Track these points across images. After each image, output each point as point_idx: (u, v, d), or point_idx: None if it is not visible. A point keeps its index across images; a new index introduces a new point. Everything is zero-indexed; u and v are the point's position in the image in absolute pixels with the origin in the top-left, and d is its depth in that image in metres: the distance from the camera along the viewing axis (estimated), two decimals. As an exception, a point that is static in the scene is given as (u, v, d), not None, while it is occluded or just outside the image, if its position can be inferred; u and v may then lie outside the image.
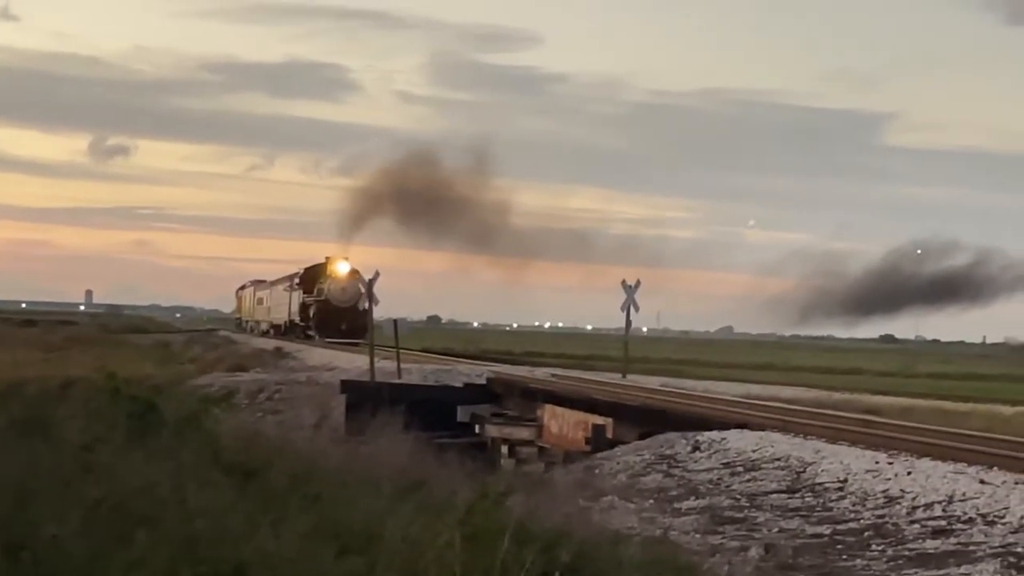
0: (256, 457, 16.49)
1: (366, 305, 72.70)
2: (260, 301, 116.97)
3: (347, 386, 38.42)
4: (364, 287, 71.69)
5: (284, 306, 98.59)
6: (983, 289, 49.56)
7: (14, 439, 15.79)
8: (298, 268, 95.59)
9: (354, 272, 79.94)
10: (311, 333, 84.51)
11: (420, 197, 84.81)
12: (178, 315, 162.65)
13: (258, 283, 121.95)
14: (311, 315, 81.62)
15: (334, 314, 79.02)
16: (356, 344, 72.35)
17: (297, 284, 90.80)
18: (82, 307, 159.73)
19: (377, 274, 66.30)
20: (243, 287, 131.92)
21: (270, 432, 22.68)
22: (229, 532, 10.54)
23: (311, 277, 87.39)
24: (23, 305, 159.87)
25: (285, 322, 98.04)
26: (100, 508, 11.24)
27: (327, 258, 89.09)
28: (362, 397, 34.98)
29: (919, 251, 47.58)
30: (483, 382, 42.65)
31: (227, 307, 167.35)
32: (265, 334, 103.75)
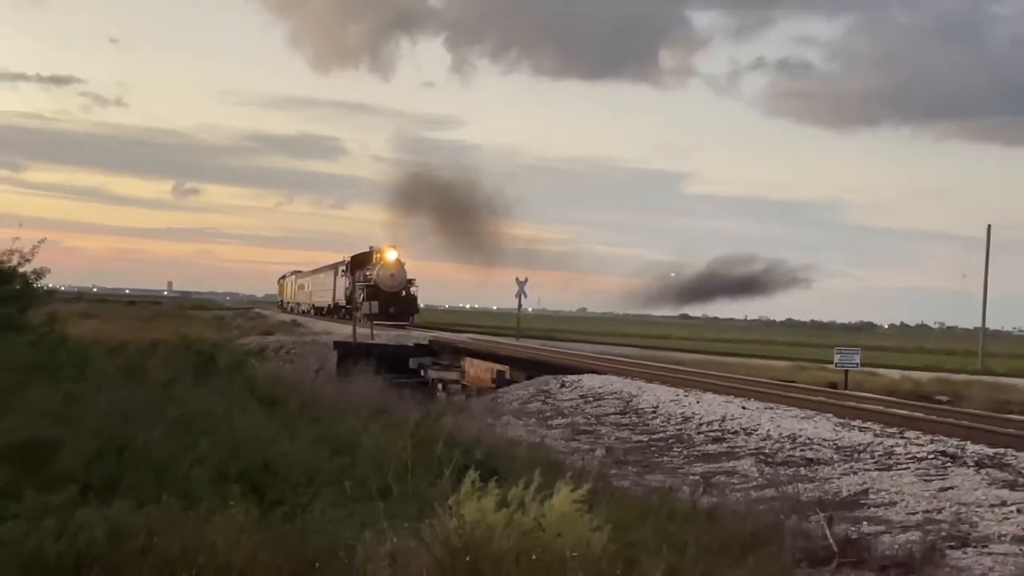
0: (278, 391, 18.40)
1: (412, 290, 74.88)
2: (301, 287, 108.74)
3: (338, 345, 42.29)
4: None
5: (328, 290, 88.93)
6: (766, 286, 55.52)
7: (121, 379, 17.28)
8: (344, 256, 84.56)
9: (400, 260, 74.63)
10: (358, 314, 66.92)
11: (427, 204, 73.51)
12: (227, 298, 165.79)
13: (298, 272, 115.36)
14: (361, 298, 70.79)
15: (382, 298, 70.08)
16: (403, 326, 67.01)
17: (344, 271, 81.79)
18: (165, 293, 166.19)
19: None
20: (284, 276, 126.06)
21: (287, 375, 24.27)
22: (260, 440, 12.27)
23: (358, 264, 78.03)
24: (127, 291, 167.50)
25: (329, 304, 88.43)
26: (175, 424, 12.70)
27: (371, 247, 79.34)
28: (348, 352, 38.61)
29: (672, 274, 55.68)
30: (426, 343, 46.14)
31: (259, 293, 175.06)
32: (305, 314, 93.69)
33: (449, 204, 70.41)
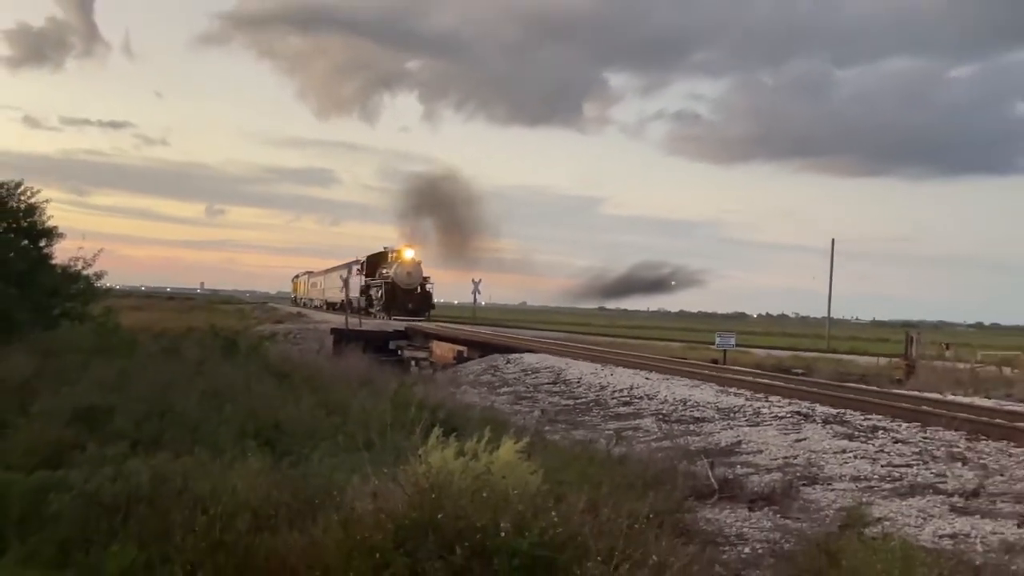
0: (286, 367, 18.20)
1: (428, 287, 64.32)
2: (314, 285, 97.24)
3: (334, 331, 40.76)
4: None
5: (341, 288, 72.64)
6: (671, 286, 56.39)
7: (162, 358, 17.27)
8: (358, 256, 74.71)
9: (417, 259, 64.49)
10: (373, 310, 65.79)
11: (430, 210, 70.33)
12: (247, 295, 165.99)
13: (310, 273, 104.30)
14: (380, 295, 63.15)
15: (400, 294, 61.24)
16: (420, 320, 57.14)
17: (359, 269, 70.57)
18: (198, 291, 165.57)
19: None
20: (297, 276, 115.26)
21: (294, 355, 24.12)
22: (272, 405, 12.23)
23: (374, 263, 68.38)
24: (168, 290, 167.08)
25: (342, 300, 72.61)
26: (206, 393, 12.71)
27: (384, 248, 69.80)
28: (341, 336, 37.69)
29: (596, 276, 57.04)
30: (403, 329, 44.68)
31: (273, 291, 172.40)
32: (317, 308, 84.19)
33: (449, 216, 67.17)
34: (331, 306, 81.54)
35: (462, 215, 68.60)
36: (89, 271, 23.15)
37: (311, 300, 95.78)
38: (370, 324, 49.94)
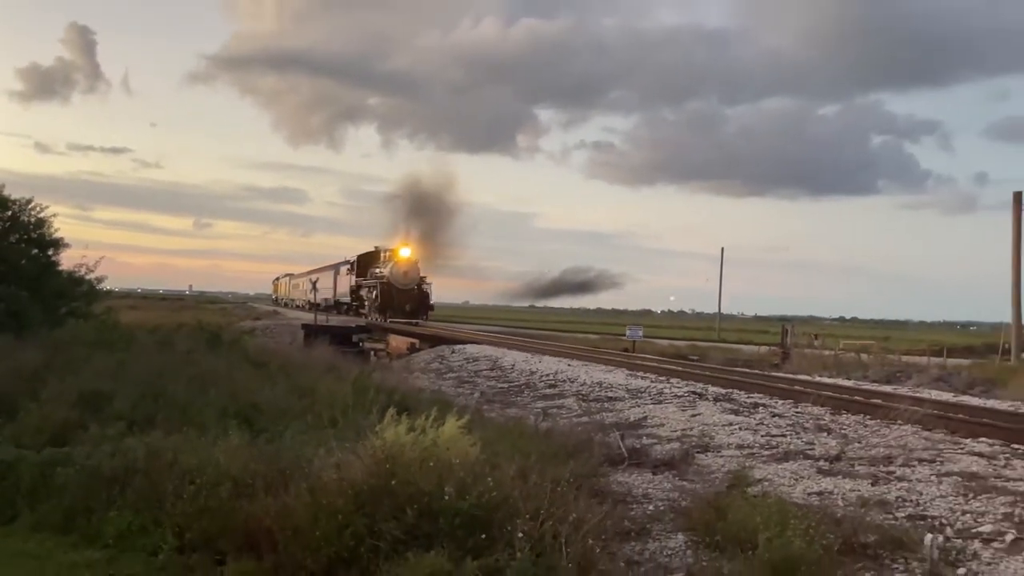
0: (263, 357, 17.85)
1: (426, 287, 53.03)
2: (295, 286, 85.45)
3: (304, 326, 38.96)
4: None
5: (328, 288, 66.46)
6: (595, 287, 56.55)
7: (156, 350, 16.79)
8: (348, 256, 62.80)
9: (414, 258, 52.89)
10: (364, 312, 54.80)
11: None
12: (230, 296, 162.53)
13: (291, 275, 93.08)
14: (374, 296, 52.12)
15: (397, 295, 50.33)
16: (417, 323, 47.77)
17: (349, 269, 60.33)
18: (187, 292, 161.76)
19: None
20: (278, 278, 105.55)
21: (270, 346, 23.53)
22: (250, 389, 11.98)
23: (365, 263, 57.49)
24: (161, 291, 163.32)
25: (328, 300, 65.53)
26: (193, 379, 12.38)
27: (376, 247, 58.24)
28: (311, 331, 36.14)
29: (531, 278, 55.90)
30: (364, 324, 44.30)
31: (252, 292, 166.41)
32: (299, 308, 73.58)
33: (435, 221, 56.20)
34: (315, 307, 67.19)
35: (444, 222, 57.86)
36: (91, 276, 22.99)
37: (292, 300, 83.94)
38: (336, 320, 47.95)
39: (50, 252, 22.31)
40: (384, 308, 50.68)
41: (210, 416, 9.45)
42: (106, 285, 25.28)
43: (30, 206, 21.99)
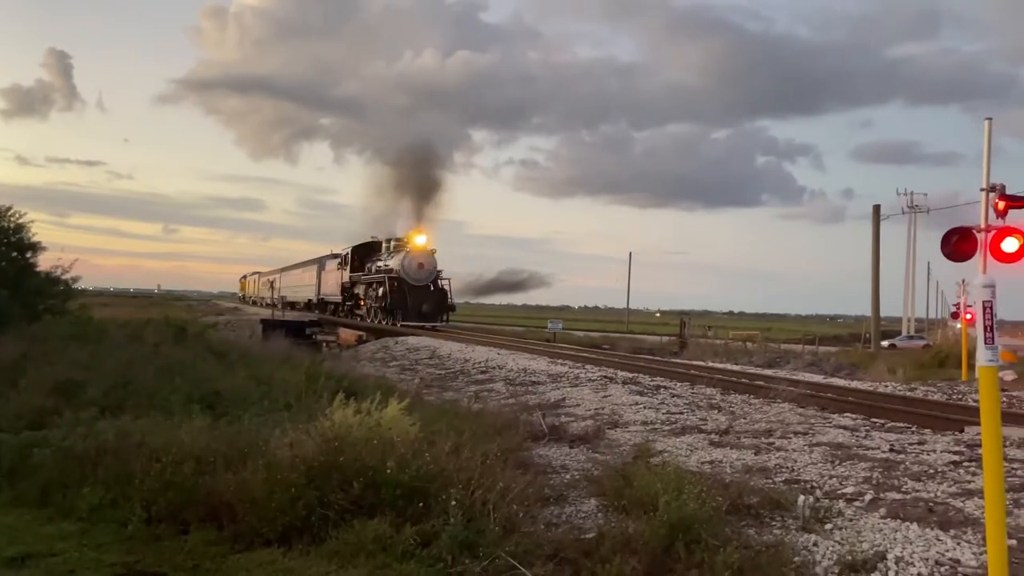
0: (225, 348, 17.42)
1: (443, 282, 38.56)
2: (267, 284, 66.68)
3: (263, 321, 36.04)
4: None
5: (309, 286, 52.84)
6: (527, 286, 56.47)
7: (126, 342, 16.41)
8: (337, 249, 48.64)
9: (431, 248, 38.89)
10: (361, 312, 41.79)
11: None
12: (195, 295, 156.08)
13: (259, 273, 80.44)
14: (380, 294, 38.58)
15: (411, 293, 36.83)
16: (436, 329, 34.79)
17: (340, 264, 46.13)
18: (155, 291, 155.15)
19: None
20: (244, 277, 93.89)
21: (231, 339, 23.10)
22: (213, 377, 11.63)
23: (362, 254, 43.52)
24: (131, 290, 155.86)
25: (309, 300, 52.55)
26: (161, 369, 11.93)
27: (372, 237, 44.57)
28: (268, 325, 33.45)
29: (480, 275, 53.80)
30: (316, 319, 41.09)
31: (216, 291, 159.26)
32: (271, 306, 53.84)
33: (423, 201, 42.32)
34: (291, 306, 55.17)
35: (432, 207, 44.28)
36: (67, 276, 22.31)
37: (262, 299, 66.92)
38: (291, 315, 45.03)
39: (28, 255, 21.59)
40: (393, 308, 36.66)
41: (176, 402, 9.20)
42: (80, 284, 24.67)
43: (10, 212, 21.27)
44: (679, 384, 15.29)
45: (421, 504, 5.42)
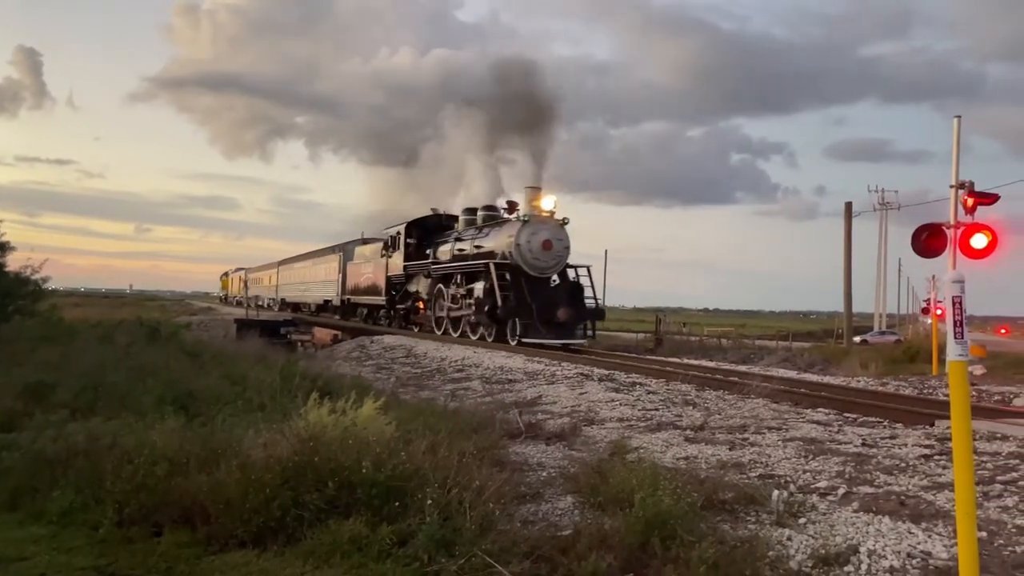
0: (199, 348, 17.26)
1: (579, 273, 24.41)
2: (259, 280, 59.14)
3: (237, 320, 33.82)
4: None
5: (330, 283, 39.89)
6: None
7: (97, 343, 16.15)
8: (390, 228, 31.24)
9: (560, 217, 23.31)
10: (420, 320, 29.44)
11: None
12: (168, 294, 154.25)
13: (246, 269, 69.82)
14: (478, 296, 22.94)
15: (532, 291, 21.29)
16: (579, 353, 21.17)
17: (385, 249, 30.75)
18: (127, 291, 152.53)
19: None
20: (226, 274, 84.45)
21: (204, 339, 22.86)
22: (187, 378, 11.39)
23: (423, 233, 28.63)
24: (103, 290, 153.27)
25: (330, 301, 40.30)
26: (132, 370, 11.81)
27: (433, 209, 29.90)
28: (242, 325, 31.32)
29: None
30: (291, 319, 40.63)
31: (188, 290, 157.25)
32: (263, 308, 48.31)
33: None
34: (294, 308, 44.77)
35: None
36: (37, 276, 21.95)
37: (252, 300, 51.29)
38: (266, 315, 43.34)
39: (-3, 255, 21.22)
40: (506, 316, 22.78)
41: (148, 403, 9.06)
42: (51, 285, 24.21)
43: (-23, 212, 20.94)
44: (655, 381, 15.34)
45: (397, 503, 5.39)
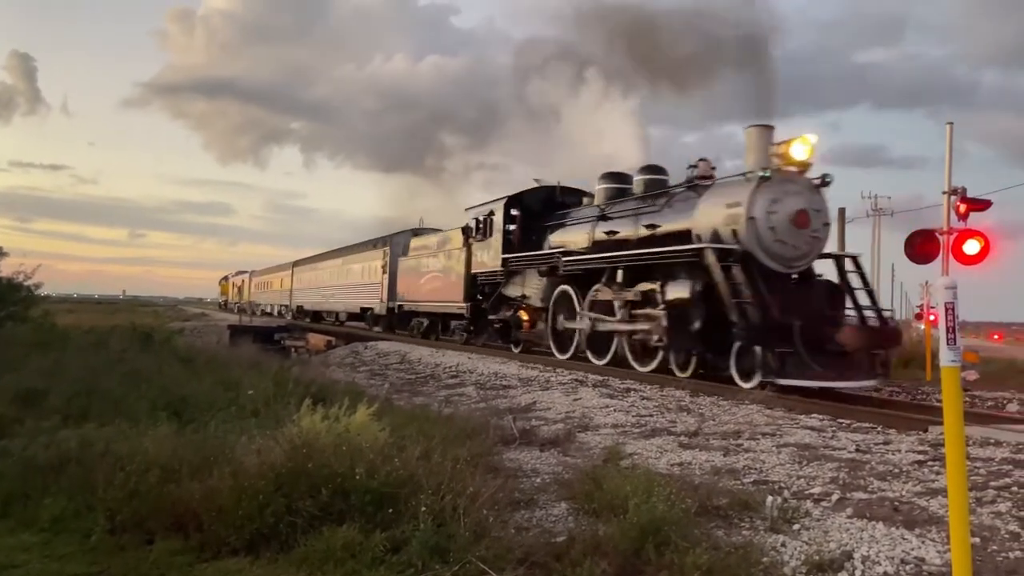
0: (192, 355, 17.12)
1: (855, 259, 13.99)
2: (268, 284, 53.32)
3: (230, 326, 34.46)
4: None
5: (370, 286, 31.47)
6: None
7: (91, 349, 16.12)
8: (473, 208, 21.20)
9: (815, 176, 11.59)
10: (531, 337, 20.09)
11: None
12: (161, 300, 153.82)
13: (252, 272, 65.57)
14: (688, 300, 12.52)
15: (791, 301, 10.58)
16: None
17: (467, 239, 20.95)
18: (120, 297, 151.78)
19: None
20: (226, 278, 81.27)
21: (198, 345, 22.44)
22: (180, 384, 11.38)
23: (531, 213, 18.73)
24: (96, 296, 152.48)
25: (372, 309, 32.35)
26: (126, 376, 11.94)
27: (537, 181, 20.39)
28: (236, 331, 32.06)
29: None
30: (285, 325, 40.66)
31: (181, 296, 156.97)
32: (267, 315, 45.57)
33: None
34: (318, 317, 38.67)
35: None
36: (29, 282, 21.99)
37: (258, 307, 48.27)
38: (259, 320, 43.90)
39: (-11, 261, 21.25)
40: (751, 338, 12.45)
41: (141, 409, 9.02)
42: (43, 291, 24.34)
43: (-31, 218, 20.93)
44: (649, 386, 15.30)
45: (391, 510, 5.37)
